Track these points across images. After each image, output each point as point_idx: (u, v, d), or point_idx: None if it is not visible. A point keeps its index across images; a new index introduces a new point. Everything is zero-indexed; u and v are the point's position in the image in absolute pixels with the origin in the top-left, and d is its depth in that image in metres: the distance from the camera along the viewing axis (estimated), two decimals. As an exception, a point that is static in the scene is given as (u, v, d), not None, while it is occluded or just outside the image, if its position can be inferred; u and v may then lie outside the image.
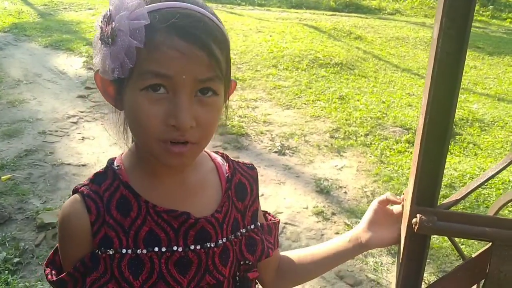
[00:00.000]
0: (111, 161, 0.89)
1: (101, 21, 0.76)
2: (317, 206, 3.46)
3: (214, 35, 0.75)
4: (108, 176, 0.86)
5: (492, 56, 8.60)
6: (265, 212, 1.06)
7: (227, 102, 0.87)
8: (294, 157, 4.24)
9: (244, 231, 0.93)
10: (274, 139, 4.54)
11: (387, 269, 2.83)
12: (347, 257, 1.07)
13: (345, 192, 3.69)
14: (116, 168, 0.87)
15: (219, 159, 0.97)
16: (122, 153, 0.91)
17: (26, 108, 4.94)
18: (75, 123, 4.68)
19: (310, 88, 5.91)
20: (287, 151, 4.32)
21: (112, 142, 4.31)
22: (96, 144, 4.27)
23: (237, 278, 0.91)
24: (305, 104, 5.46)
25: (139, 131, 0.78)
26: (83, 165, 3.87)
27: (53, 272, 0.87)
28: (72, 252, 0.84)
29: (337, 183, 3.81)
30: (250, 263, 0.92)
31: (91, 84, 5.69)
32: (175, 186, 0.87)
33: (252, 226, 0.95)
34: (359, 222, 3.32)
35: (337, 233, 3.16)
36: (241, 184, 0.96)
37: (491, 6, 12.89)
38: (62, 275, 0.84)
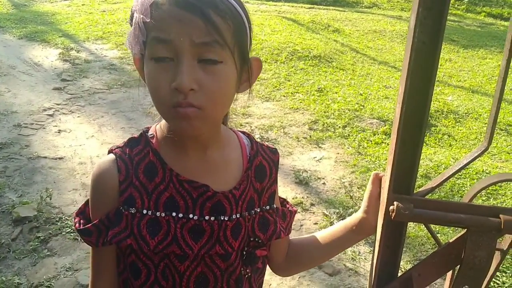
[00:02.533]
0: (146, 129, 0.96)
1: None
2: (296, 197, 3.48)
3: (214, 4, 0.80)
4: (141, 142, 0.93)
5: (466, 49, 8.74)
6: (283, 200, 1.12)
7: (251, 83, 0.92)
8: (273, 149, 4.25)
9: (258, 210, 0.98)
10: (254, 131, 4.54)
11: (364, 258, 2.88)
12: (352, 244, 1.12)
13: (324, 183, 3.72)
14: (149, 136, 0.94)
15: (245, 139, 1.03)
16: (157, 124, 0.97)
17: (0, 101, 4.84)
18: (51, 115, 4.61)
19: (289, 81, 5.93)
20: (266, 143, 4.33)
21: (89, 134, 4.26)
22: (73, 136, 4.21)
23: (244, 252, 0.97)
24: (284, 96, 5.48)
25: (153, 98, 0.84)
26: (60, 158, 3.82)
27: (82, 221, 0.94)
28: (100, 206, 0.92)
29: (315, 174, 3.85)
30: (259, 241, 0.98)
31: (67, 76, 5.61)
32: (199, 160, 0.94)
33: (268, 207, 1.01)
34: (337, 212, 3.34)
35: (315, 223, 3.19)
36: (261, 166, 1.01)
37: (466, 0, 13.09)
38: (88, 225, 0.91)
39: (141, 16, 0.79)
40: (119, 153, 0.91)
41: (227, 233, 0.92)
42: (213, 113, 0.85)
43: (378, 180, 1.06)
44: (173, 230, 0.89)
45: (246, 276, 0.99)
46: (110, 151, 0.93)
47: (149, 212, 0.89)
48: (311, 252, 1.13)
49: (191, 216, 0.90)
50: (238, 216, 0.94)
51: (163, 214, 0.89)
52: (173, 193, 0.90)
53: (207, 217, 0.91)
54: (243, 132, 1.05)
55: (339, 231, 1.10)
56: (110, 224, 0.90)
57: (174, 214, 0.90)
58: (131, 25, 0.83)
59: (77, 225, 0.94)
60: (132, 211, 0.89)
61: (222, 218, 0.92)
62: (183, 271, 0.91)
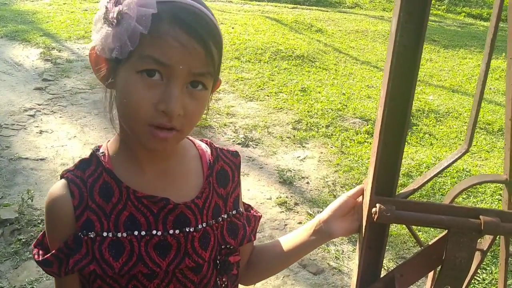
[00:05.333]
0: (96, 148, 0.92)
1: (108, 1, 0.78)
2: (280, 197, 3.49)
3: (213, 34, 0.80)
4: (92, 162, 0.90)
5: (447, 49, 8.86)
6: (248, 206, 1.08)
7: (210, 96, 0.90)
8: (258, 148, 4.27)
9: (225, 217, 0.96)
10: (238, 131, 4.54)
11: (348, 257, 2.90)
12: (312, 248, 1.09)
13: (307, 183, 3.74)
14: (100, 155, 0.90)
15: (203, 146, 1.00)
16: (109, 140, 0.93)
17: (-21, 101, 4.76)
18: (32, 116, 4.54)
19: (272, 80, 5.94)
20: (250, 143, 4.34)
21: (71, 135, 4.21)
22: (55, 137, 4.16)
23: (218, 261, 0.94)
24: (268, 96, 5.48)
25: (127, 112, 0.80)
26: (41, 159, 3.77)
27: (40, 252, 0.91)
28: (56, 234, 0.88)
29: (299, 173, 3.86)
30: (231, 247, 0.96)
31: (49, 76, 5.53)
32: (156, 174, 0.91)
33: (234, 212, 0.98)
34: (321, 211, 3.33)
35: (300, 222, 3.20)
36: (223, 170, 0.99)
37: (446, 0, 13.24)
38: (47, 255, 0.88)
39: (139, 26, 0.74)
40: (70, 177, 0.87)
41: (195, 244, 0.90)
42: (188, 133, 0.85)
43: (360, 193, 1.05)
44: (137, 249, 0.86)
45: (223, 285, 0.97)
46: (61, 176, 0.89)
47: (110, 234, 0.86)
48: (269, 259, 1.10)
49: (154, 232, 0.87)
50: (204, 225, 0.91)
51: (124, 234, 0.86)
52: (132, 211, 0.87)
53: (171, 231, 0.88)
54: (201, 140, 1.03)
55: (299, 235, 1.08)
56: (70, 251, 0.86)
57: (136, 232, 0.86)
58: (111, 24, 0.77)
59: (36, 256, 0.91)
60: (92, 236, 0.85)
61: (187, 230, 0.89)
62: None
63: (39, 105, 4.79)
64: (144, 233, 0.87)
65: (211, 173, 0.96)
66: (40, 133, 4.22)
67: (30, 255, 2.70)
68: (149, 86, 0.77)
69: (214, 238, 0.93)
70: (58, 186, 0.88)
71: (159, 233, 0.88)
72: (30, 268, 2.62)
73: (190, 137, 1.01)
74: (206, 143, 1.01)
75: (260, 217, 1.08)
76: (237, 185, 1.01)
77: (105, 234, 0.86)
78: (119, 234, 0.86)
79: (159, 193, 0.88)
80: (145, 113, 0.78)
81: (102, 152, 0.91)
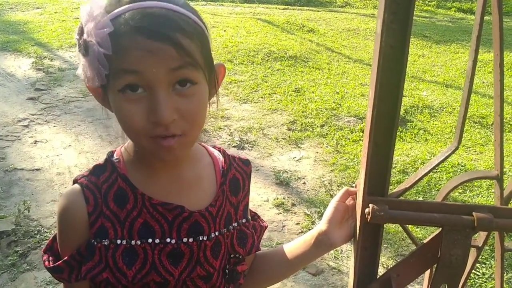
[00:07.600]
0: (110, 154, 0.91)
1: (76, 34, 0.78)
2: (277, 198, 3.49)
3: (179, 27, 0.75)
4: (106, 168, 0.88)
5: (439, 45, 8.87)
6: (254, 214, 1.08)
7: (217, 88, 0.89)
8: (253, 150, 4.27)
9: (236, 225, 0.96)
10: (233, 134, 4.54)
11: (347, 257, 2.90)
12: (315, 258, 1.08)
13: (304, 183, 3.74)
14: (115, 160, 0.89)
15: (216, 153, 0.99)
16: (122, 146, 0.92)
17: (-28, 113, 4.74)
18: (26, 126, 4.53)
19: (266, 82, 5.94)
20: (246, 145, 4.34)
21: (66, 144, 4.20)
22: (50, 147, 4.15)
23: (226, 271, 0.94)
24: (261, 97, 5.49)
25: (127, 130, 0.80)
26: (37, 170, 3.76)
27: (51, 258, 0.89)
28: (69, 240, 0.87)
29: (296, 174, 3.87)
30: (240, 257, 0.95)
31: (41, 85, 5.52)
32: (171, 180, 0.90)
33: (244, 220, 0.99)
34: (318, 211, 3.32)
35: (297, 223, 3.20)
36: (235, 179, 0.99)
37: (436, -4, 13.28)
38: (59, 262, 0.86)
39: (101, 49, 0.73)
40: (85, 183, 0.86)
41: (207, 253, 0.89)
42: (194, 135, 0.82)
43: (347, 196, 1.05)
44: (150, 257, 0.85)
45: None
46: (75, 181, 0.88)
47: (124, 242, 0.85)
48: (272, 267, 1.09)
49: (168, 240, 0.86)
50: (217, 234, 0.91)
51: (138, 242, 0.85)
52: (147, 219, 0.86)
53: (185, 240, 0.87)
54: (214, 147, 1.02)
55: (299, 247, 1.07)
56: (82, 258, 0.85)
57: (150, 240, 0.86)
58: (84, 55, 0.77)
59: (46, 263, 0.89)
60: (105, 243, 0.84)
61: (201, 239, 0.88)
62: None
63: (32, 115, 4.78)
64: (158, 241, 0.86)
65: (224, 181, 0.95)
66: (35, 143, 4.21)
67: (28, 267, 2.69)
68: (134, 102, 0.76)
69: (224, 247, 0.92)
70: (72, 191, 0.86)
71: (173, 241, 0.87)
72: (28, 280, 2.61)
73: (203, 144, 1.01)
74: (219, 150, 1.01)
75: (266, 227, 1.08)
76: (247, 193, 1.01)
77: (119, 241, 0.85)
78: (133, 242, 0.85)
79: (173, 200, 0.88)
80: (141, 129, 0.77)
81: (116, 158, 0.90)
